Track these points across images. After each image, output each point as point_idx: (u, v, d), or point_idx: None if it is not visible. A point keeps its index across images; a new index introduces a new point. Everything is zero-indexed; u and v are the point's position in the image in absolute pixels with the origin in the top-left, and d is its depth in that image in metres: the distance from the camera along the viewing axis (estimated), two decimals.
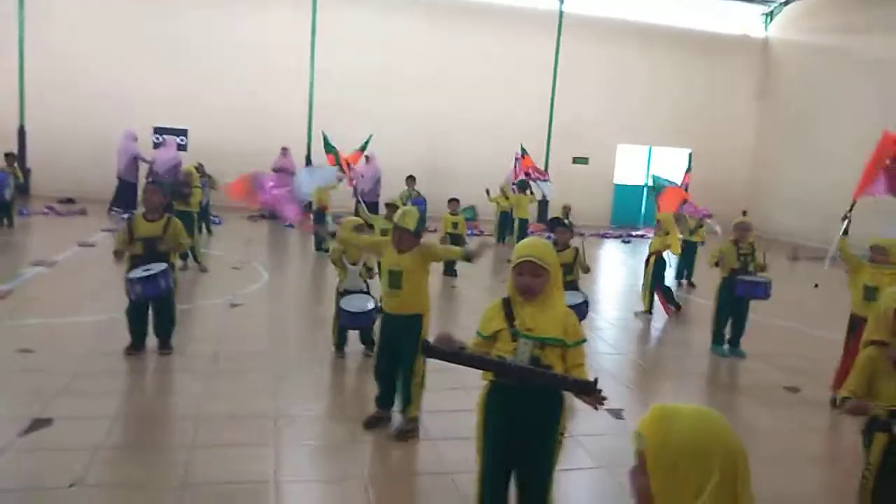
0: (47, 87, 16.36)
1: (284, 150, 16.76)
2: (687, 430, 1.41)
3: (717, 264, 7.27)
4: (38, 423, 4.24)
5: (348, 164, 11.93)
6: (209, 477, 3.86)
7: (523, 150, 15.14)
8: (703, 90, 20.84)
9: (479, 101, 18.75)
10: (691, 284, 11.32)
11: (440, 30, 18.68)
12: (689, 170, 13.85)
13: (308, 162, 18.19)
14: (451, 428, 4.66)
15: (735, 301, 7.14)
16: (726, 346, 7.28)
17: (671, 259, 9.42)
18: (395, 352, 4.56)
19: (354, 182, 11.74)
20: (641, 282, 9.21)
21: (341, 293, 6.09)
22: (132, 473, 3.87)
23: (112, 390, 5.06)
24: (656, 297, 8.94)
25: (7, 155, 12.63)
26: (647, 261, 9.00)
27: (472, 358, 2.91)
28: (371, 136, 13.32)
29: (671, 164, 21.05)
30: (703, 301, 9.56)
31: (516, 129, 18.22)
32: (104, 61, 16.57)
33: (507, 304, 3.02)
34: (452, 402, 5.09)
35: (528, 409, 2.96)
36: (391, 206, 8.39)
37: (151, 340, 5.94)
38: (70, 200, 15.68)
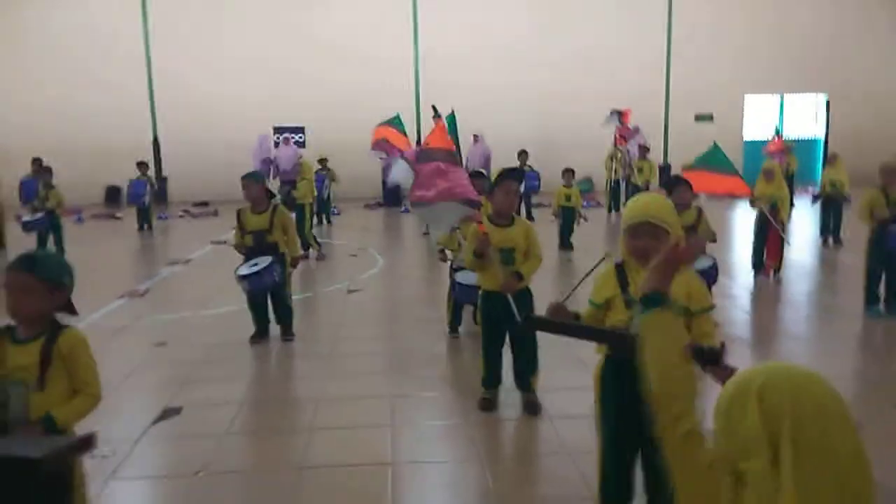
0: (174, 101, 17.49)
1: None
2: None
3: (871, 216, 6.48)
4: (169, 412, 4.44)
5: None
6: (328, 459, 3.88)
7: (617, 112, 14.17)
8: (835, 24, 18.83)
9: (588, 67, 18.05)
10: (837, 241, 10.28)
11: None
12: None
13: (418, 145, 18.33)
14: (569, 406, 4.42)
15: (888, 255, 6.35)
16: (881, 307, 6.50)
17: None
18: (503, 329, 4.37)
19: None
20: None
21: (455, 269, 5.98)
22: (254, 458, 3.96)
23: (238, 377, 5.25)
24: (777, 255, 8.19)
25: (139, 164, 13.55)
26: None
27: (580, 329, 2.66)
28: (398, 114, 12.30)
29: (805, 113, 19.39)
30: (853, 261, 8.63)
31: (629, 92, 17.36)
32: (219, 72, 17.51)
33: (620, 270, 2.76)
34: (570, 378, 4.83)
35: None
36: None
37: (276, 328, 6.10)
38: (204, 203, 16.69)
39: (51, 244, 10.00)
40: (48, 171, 10.62)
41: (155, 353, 5.74)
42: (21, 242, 10.66)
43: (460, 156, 9.76)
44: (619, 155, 14.32)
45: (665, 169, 17.98)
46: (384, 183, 16.79)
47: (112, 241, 12.22)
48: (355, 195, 16.95)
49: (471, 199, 4.47)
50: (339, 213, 14.95)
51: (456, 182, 4.48)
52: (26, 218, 10.01)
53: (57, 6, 17.13)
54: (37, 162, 12.17)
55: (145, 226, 13.02)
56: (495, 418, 4.39)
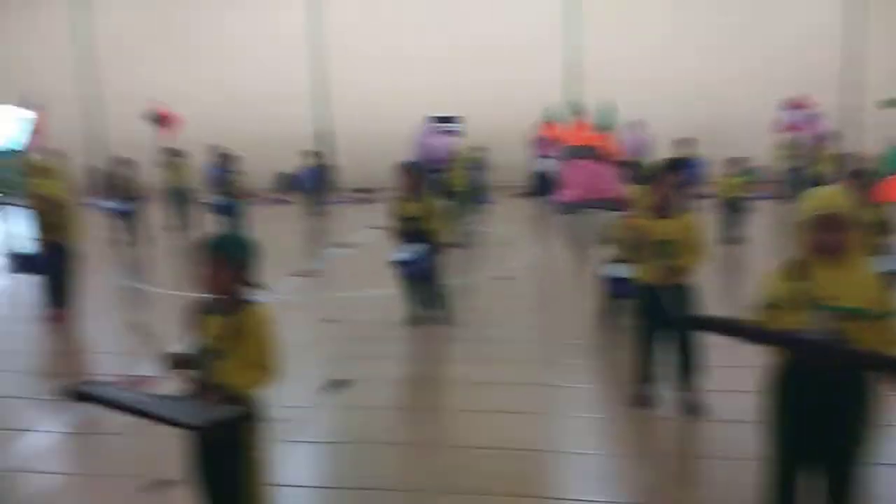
0: (347, 94, 18.71)
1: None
2: None
3: None
4: (334, 384, 4.76)
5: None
6: (478, 441, 3.98)
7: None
8: None
9: (753, 52, 17.02)
10: None
11: None
12: None
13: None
14: (731, 409, 4.19)
15: None
16: None
17: None
18: (659, 323, 4.21)
19: None
20: None
21: (610, 262, 5.85)
22: (408, 434, 4.17)
23: (395, 356, 5.53)
24: None
25: (312, 153, 14.54)
26: None
27: (754, 331, 2.51)
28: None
29: None
30: None
31: (802, 77, 16.06)
32: (385, 66, 18.41)
33: (798, 267, 2.57)
34: (735, 380, 4.57)
35: (828, 393, 2.49)
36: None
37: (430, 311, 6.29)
38: (367, 190, 17.59)
39: (234, 225, 10.97)
40: (231, 158, 11.64)
41: (324, 329, 6.16)
42: (207, 224, 11.86)
43: (613, 148, 9.54)
44: (793, 144, 13.28)
45: (844, 159, 16.41)
46: (535, 173, 16.78)
47: (284, 225, 13.22)
48: (506, 184, 17.09)
49: (615, 199, 4.36)
50: (491, 202, 15.10)
51: (600, 181, 4.42)
52: (212, 201, 11.07)
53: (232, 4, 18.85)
54: (218, 150, 13.22)
55: (314, 210, 13.92)
56: (649, 415, 4.28)
